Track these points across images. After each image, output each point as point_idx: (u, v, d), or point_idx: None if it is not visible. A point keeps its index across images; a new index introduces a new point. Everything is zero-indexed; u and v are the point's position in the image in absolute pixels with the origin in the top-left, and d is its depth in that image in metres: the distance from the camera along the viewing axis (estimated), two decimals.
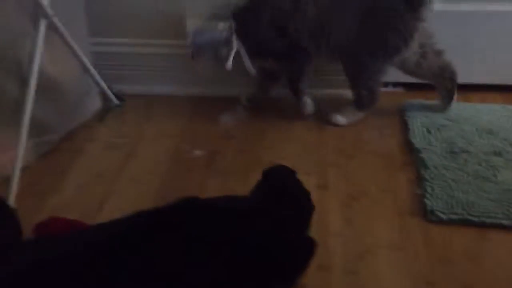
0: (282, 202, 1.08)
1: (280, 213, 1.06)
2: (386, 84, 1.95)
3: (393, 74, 1.90)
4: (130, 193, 1.40)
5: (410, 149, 1.56)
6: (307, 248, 1.08)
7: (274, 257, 1.03)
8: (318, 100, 1.75)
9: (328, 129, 1.69)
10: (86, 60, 1.59)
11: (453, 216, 1.26)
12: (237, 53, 1.61)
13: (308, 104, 1.72)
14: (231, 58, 1.58)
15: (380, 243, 1.21)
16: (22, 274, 0.93)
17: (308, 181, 1.39)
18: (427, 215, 1.28)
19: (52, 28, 1.41)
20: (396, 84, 1.96)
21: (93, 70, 1.65)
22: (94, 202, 1.36)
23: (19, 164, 1.33)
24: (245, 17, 1.60)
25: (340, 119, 1.70)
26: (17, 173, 1.33)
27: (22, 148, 1.34)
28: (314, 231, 1.22)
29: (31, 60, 1.33)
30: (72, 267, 0.95)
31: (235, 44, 1.59)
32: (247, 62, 1.62)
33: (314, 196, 1.32)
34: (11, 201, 1.31)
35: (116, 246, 0.97)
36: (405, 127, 1.68)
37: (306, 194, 1.14)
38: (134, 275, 0.94)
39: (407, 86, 1.95)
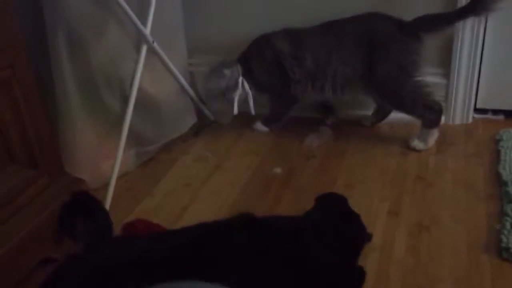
0: (333, 225, 1.11)
1: (332, 237, 1.09)
2: (485, 111, 1.87)
3: (494, 101, 1.82)
4: (210, 202, 1.52)
5: (497, 181, 1.48)
6: (357, 277, 1.10)
7: (323, 282, 1.06)
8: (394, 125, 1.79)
9: (411, 156, 1.66)
10: (183, 80, 1.75)
11: None
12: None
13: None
14: (236, 103, 1.75)
15: (443, 277, 1.17)
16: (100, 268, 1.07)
17: (380, 207, 1.41)
18: (501, 252, 1.21)
19: (152, 51, 1.59)
20: (496, 112, 1.86)
21: (189, 89, 1.81)
22: (178, 207, 1.50)
23: (116, 170, 1.52)
24: (249, 57, 1.77)
25: (418, 143, 1.68)
26: (114, 178, 1.51)
27: (120, 156, 1.53)
28: (376, 257, 1.24)
29: (132, 81, 1.52)
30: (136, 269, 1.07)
31: (245, 86, 1.74)
32: (251, 104, 1.78)
33: (383, 223, 1.35)
34: (108, 202, 1.49)
35: (176, 254, 1.07)
36: (497, 157, 1.59)
37: (357, 219, 1.15)
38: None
39: (508, 113, 1.84)
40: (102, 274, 1.06)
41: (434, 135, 1.68)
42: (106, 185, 1.53)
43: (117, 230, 1.37)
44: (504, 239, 1.23)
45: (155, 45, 1.56)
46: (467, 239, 1.28)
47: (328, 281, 1.05)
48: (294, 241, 1.09)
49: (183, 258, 1.07)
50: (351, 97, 1.76)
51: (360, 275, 1.12)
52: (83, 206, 1.33)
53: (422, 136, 1.68)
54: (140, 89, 1.56)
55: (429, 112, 1.64)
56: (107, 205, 1.48)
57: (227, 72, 1.74)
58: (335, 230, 1.11)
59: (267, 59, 1.75)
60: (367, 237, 1.24)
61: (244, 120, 1.95)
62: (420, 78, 1.64)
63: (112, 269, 1.07)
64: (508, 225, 1.27)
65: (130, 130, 1.57)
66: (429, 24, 1.60)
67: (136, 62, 1.52)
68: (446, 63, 1.78)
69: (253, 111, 1.78)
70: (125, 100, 1.54)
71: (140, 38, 1.53)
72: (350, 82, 1.68)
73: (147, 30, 1.53)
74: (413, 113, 1.67)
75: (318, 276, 1.05)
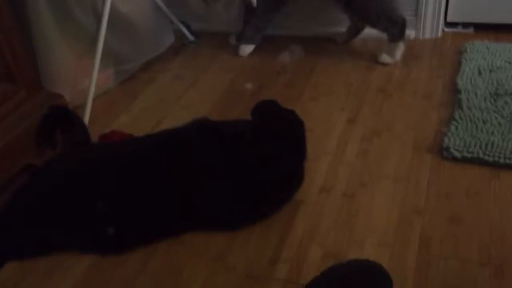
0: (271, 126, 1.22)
1: (269, 135, 1.20)
2: (456, 25, 1.90)
3: (464, 14, 1.85)
4: (182, 117, 1.59)
5: (454, 90, 1.55)
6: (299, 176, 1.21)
7: (268, 180, 1.18)
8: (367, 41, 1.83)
9: (377, 70, 1.73)
10: (159, 1, 1.80)
11: (467, 155, 1.27)
12: None
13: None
14: None
15: (385, 174, 1.28)
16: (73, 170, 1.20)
17: (340, 116, 1.50)
18: (442, 152, 1.31)
19: None
20: (466, 25, 1.89)
21: (165, 8, 1.86)
22: (152, 122, 1.60)
23: (93, 87, 1.61)
24: None
25: (385, 57, 1.73)
26: (91, 95, 1.61)
27: (95, 74, 1.61)
28: (328, 160, 1.34)
29: None
30: (112, 168, 1.20)
31: None
32: None
33: (340, 130, 1.44)
34: (87, 117, 1.59)
35: (139, 156, 1.20)
36: (458, 68, 1.65)
37: (291, 118, 1.25)
38: (150, 181, 1.16)
39: (478, 26, 1.87)
40: (71, 172, 1.19)
41: (400, 48, 1.73)
42: (86, 103, 1.63)
43: (94, 141, 1.49)
44: (446, 140, 1.32)
45: None
46: (414, 142, 1.37)
47: (266, 174, 1.17)
48: (235, 141, 1.20)
49: (146, 156, 1.19)
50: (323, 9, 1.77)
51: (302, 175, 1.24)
52: (62, 118, 1.45)
53: (389, 50, 1.73)
54: (112, 8, 1.61)
55: (393, 25, 1.68)
56: (86, 120, 1.59)
57: None
58: (271, 130, 1.22)
59: None
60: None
61: (223, 39, 2.01)
62: None
63: (79, 168, 1.20)
64: (453, 128, 1.36)
65: (107, 49, 1.64)
66: None
67: None
68: None
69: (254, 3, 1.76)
70: (98, 18, 1.60)
71: None
72: None
73: None
74: (377, 26, 1.72)
75: (255, 170, 1.17)
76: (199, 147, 1.19)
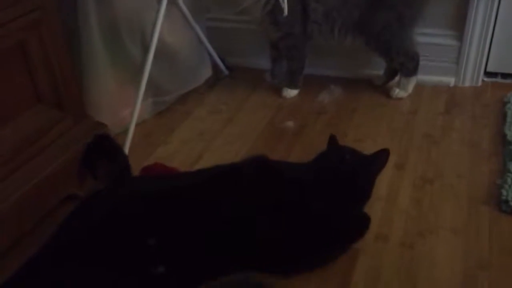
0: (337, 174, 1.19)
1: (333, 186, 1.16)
2: (495, 75, 1.90)
3: (505, 65, 1.85)
4: (223, 152, 1.58)
5: (502, 141, 1.53)
6: (363, 222, 1.17)
7: (330, 226, 1.14)
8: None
9: (419, 115, 1.71)
10: (201, 33, 1.80)
11: None
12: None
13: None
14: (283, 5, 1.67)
15: (443, 224, 1.24)
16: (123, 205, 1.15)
17: (388, 160, 1.46)
18: (501, 205, 1.28)
19: (173, 2, 1.62)
20: (505, 75, 1.90)
21: (206, 42, 1.85)
22: (193, 155, 1.57)
23: (135, 117, 1.58)
24: None
25: (399, 92, 1.80)
26: (133, 124, 1.58)
27: (139, 104, 1.59)
28: (381, 206, 1.31)
29: (153, 30, 1.56)
30: (163, 203, 1.15)
31: None
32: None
33: (389, 175, 1.41)
34: (127, 147, 1.56)
35: (192, 191, 1.15)
36: (503, 118, 1.64)
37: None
38: (202, 219, 1.11)
39: None
40: (122, 207, 1.14)
41: (413, 83, 1.79)
42: (124, 132, 1.60)
43: (135, 173, 1.45)
44: (504, 193, 1.29)
45: None
46: (468, 192, 1.34)
47: (331, 227, 1.13)
48: (299, 189, 1.16)
49: (196, 195, 1.15)
50: (351, 43, 1.77)
51: (365, 221, 1.19)
52: (105, 148, 1.41)
53: (402, 84, 1.79)
54: (159, 39, 1.60)
55: (409, 61, 1.74)
56: (126, 150, 1.55)
57: None
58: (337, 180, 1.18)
59: None
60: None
61: (258, 74, 2.00)
62: (411, 32, 1.72)
63: (131, 201, 1.15)
64: (509, 180, 1.33)
65: (148, 79, 1.62)
66: None
67: (157, 11, 1.55)
68: (460, 25, 1.80)
69: (285, 11, 1.69)
70: (145, 48, 1.58)
71: None
72: (355, 26, 1.71)
73: None
74: (393, 60, 1.76)
75: (319, 222, 1.13)
76: (259, 186, 1.15)
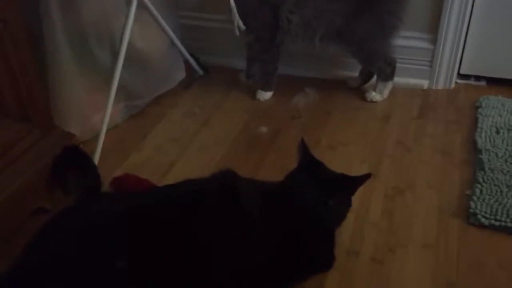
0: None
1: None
2: (468, 77, 1.92)
3: (478, 67, 1.86)
4: (197, 159, 1.57)
5: (473, 148, 1.55)
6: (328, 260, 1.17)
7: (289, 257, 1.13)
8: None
9: (393, 120, 1.72)
10: (173, 35, 1.76)
11: (495, 223, 1.26)
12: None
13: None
14: (235, 24, 1.69)
15: (413, 239, 1.26)
16: (94, 222, 1.13)
17: (360, 169, 1.47)
18: (469, 217, 1.29)
19: (143, 5, 1.58)
20: (479, 78, 1.91)
21: (179, 44, 1.81)
22: (166, 163, 1.55)
23: (105, 124, 1.55)
24: None
25: (375, 95, 1.81)
26: (103, 132, 1.54)
27: (109, 109, 1.55)
28: (352, 218, 1.31)
29: (123, 35, 1.52)
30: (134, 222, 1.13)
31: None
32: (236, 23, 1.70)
33: (362, 185, 1.40)
34: (97, 155, 1.53)
35: (161, 212, 1.14)
36: (474, 124, 1.65)
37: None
38: (174, 239, 1.10)
39: (490, 80, 1.89)
40: (93, 227, 1.12)
41: (389, 87, 1.81)
42: (95, 137, 1.56)
43: (105, 183, 1.42)
44: (473, 205, 1.31)
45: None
46: (438, 204, 1.36)
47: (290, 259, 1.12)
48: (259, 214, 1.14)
49: (165, 215, 1.13)
50: (333, 50, 1.77)
51: (330, 260, 1.19)
52: (74, 159, 1.38)
53: (379, 88, 1.80)
54: (129, 43, 1.56)
55: (387, 66, 1.75)
56: (97, 158, 1.52)
57: None
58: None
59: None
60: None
61: (233, 74, 1.97)
62: (393, 39, 1.73)
63: (102, 222, 1.13)
64: (478, 191, 1.35)
65: (119, 84, 1.59)
66: None
67: (127, 16, 1.51)
68: (433, 28, 1.81)
69: (237, 32, 1.72)
70: (115, 54, 1.54)
71: None
72: (338, 33, 1.69)
73: None
74: (372, 66, 1.78)
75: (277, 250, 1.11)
76: (224, 210, 1.14)
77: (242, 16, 1.69)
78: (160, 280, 1.08)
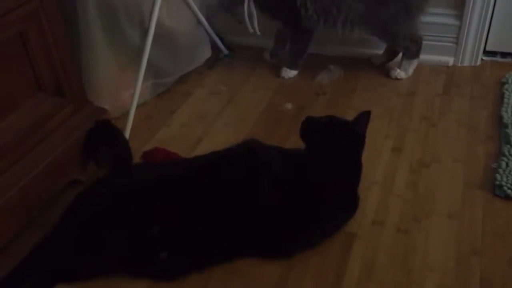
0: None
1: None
2: (495, 54, 1.90)
3: (504, 44, 1.85)
4: (223, 134, 1.60)
5: (499, 123, 1.54)
6: (353, 201, 1.21)
7: (322, 205, 1.17)
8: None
9: (418, 96, 1.72)
10: (200, 14, 1.79)
11: None
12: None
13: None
14: (247, 21, 1.72)
15: (438, 210, 1.27)
16: (126, 191, 1.18)
17: (385, 144, 1.49)
18: (494, 189, 1.30)
19: None
20: (505, 54, 1.90)
21: (205, 23, 1.84)
22: (193, 138, 1.59)
23: (135, 101, 1.59)
24: None
25: (400, 73, 1.80)
26: (133, 108, 1.59)
27: (139, 87, 1.60)
28: (377, 190, 1.34)
29: (151, 13, 1.56)
30: (165, 191, 1.18)
31: (251, 5, 1.70)
32: (254, 24, 1.75)
33: (387, 159, 1.43)
34: (128, 131, 1.57)
35: (191, 179, 1.18)
36: (500, 100, 1.65)
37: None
38: (203, 206, 1.15)
39: None
40: (127, 196, 1.17)
41: (414, 65, 1.81)
42: (125, 114, 1.61)
43: (136, 156, 1.47)
44: (498, 177, 1.32)
45: None
46: (464, 176, 1.37)
47: (322, 207, 1.16)
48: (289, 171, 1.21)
49: (194, 182, 1.18)
50: (358, 35, 1.77)
51: (355, 201, 1.23)
52: (106, 133, 1.43)
53: (404, 66, 1.80)
54: (158, 22, 1.59)
55: (413, 45, 1.75)
56: (127, 134, 1.57)
57: None
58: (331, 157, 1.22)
59: None
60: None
61: (257, 53, 1.99)
62: (418, 19, 1.72)
63: (136, 191, 1.18)
64: (504, 164, 1.35)
65: (148, 62, 1.62)
66: None
67: None
68: (459, 4, 1.80)
69: (251, 29, 1.76)
70: (144, 32, 1.58)
71: None
72: (361, 19, 1.70)
73: None
74: (399, 45, 1.77)
75: (310, 202, 1.16)
76: (249, 173, 1.18)
77: (264, 6, 1.73)
78: (190, 244, 1.13)
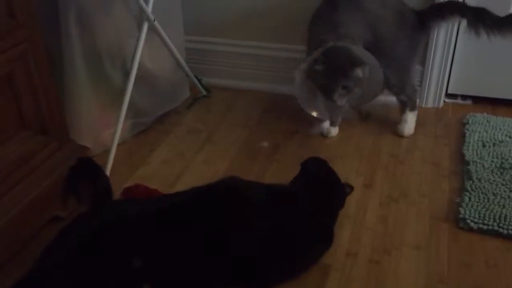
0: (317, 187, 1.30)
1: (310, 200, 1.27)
2: (456, 96, 2.03)
3: (463, 86, 1.98)
4: (201, 171, 1.66)
5: (461, 160, 1.65)
6: (328, 237, 1.27)
7: (298, 241, 1.23)
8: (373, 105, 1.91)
9: (386, 136, 1.82)
10: (179, 57, 1.87)
11: (483, 226, 1.36)
12: None
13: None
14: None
15: (407, 242, 1.35)
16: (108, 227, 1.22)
17: (356, 180, 1.57)
18: (459, 222, 1.39)
19: (152, 29, 1.70)
20: (465, 97, 2.03)
21: (184, 65, 1.93)
22: (172, 175, 1.64)
23: (116, 139, 1.64)
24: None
25: (408, 129, 1.81)
26: (115, 146, 1.64)
27: (120, 126, 1.65)
28: (350, 224, 1.40)
29: (134, 56, 1.63)
30: (146, 224, 1.22)
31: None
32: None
33: (358, 194, 1.50)
34: (108, 168, 1.61)
35: (173, 213, 1.23)
36: (462, 139, 1.76)
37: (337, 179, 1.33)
38: (184, 239, 1.19)
39: (476, 99, 2.01)
40: (108, 229, 1.20)
41: (415, 117, 1.83)
42: (105, 152, 1.66)
43: (116, 193, 1.51)
44: (462, 211, 1.41)
45: (156, 23, 1.67)
46: (430, 210, 1.45)
47: (298, 242, 1.23)
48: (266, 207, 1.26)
49: (176, 216, 1.23)
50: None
51: (330, 234, 1.30)
52: (87, 170, 1.46)
53: (410, 120, 1.81)
54: (139, 64, 1.67)
55: (415, 94, 1.82)
56: (108, 171, 1.61)
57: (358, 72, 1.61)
58: (311, 195, 1.30)
59: None
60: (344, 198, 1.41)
61: (233, 94, 2.08)
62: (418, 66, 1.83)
63: (116, 224, 1.22)
64: (466, 199, 1.45)
65: (128, 102, 1.69)
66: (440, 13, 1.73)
67: (138, 38, 1.62)
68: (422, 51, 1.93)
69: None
70: (126, 73, 1.65)
71: (142, 16, 1.64)
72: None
73: (149, 9, 1.64)
74: (406, 95, 1.79)
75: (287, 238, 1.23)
76: (229, 208, 1.23)
77: None
78: (173, 276, 1.17)
